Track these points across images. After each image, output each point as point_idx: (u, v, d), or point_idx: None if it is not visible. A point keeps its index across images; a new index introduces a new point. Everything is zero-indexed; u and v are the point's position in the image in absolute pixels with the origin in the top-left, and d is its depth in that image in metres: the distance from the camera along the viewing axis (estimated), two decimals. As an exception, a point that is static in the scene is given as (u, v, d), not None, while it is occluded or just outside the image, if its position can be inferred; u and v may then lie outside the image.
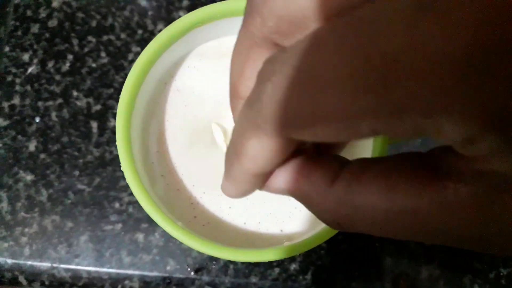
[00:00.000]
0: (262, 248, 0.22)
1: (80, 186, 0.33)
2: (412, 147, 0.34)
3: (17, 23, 0.36)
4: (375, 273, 0.32)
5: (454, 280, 0.32)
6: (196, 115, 0.24)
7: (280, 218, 0.23)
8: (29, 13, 0.36)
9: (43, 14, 0.36)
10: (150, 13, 0.36)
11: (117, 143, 0.21)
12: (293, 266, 0.32)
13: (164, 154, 0.24)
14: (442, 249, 0.32)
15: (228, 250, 0.20)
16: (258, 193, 0.23)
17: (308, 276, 0.32)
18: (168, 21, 0.36)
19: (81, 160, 0.33)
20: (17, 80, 0.35)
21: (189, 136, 0.24)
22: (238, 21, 0.24)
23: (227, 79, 0.24)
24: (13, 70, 0.35)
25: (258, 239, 0.23)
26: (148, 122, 0.24)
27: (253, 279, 0.32)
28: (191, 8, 0.36)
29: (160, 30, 0.36)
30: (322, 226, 0.22)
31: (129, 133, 0.21)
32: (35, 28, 0.36)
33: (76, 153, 0.34)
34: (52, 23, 0.36)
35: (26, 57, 0.35)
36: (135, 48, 0.36)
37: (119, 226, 0.32)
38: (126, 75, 0.35)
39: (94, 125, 0.34)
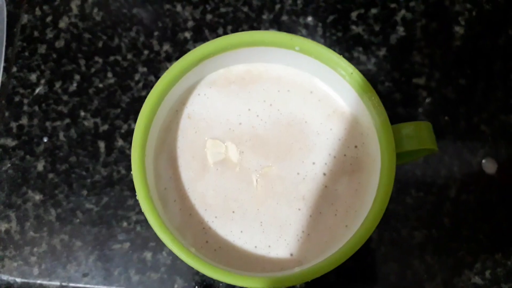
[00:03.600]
0: (273, 273, 0.23)
1: (88, 206, 0.34)
2: (416, 165, 0.34)
3: (24, 44, 0.37)
4: (380, 290, 0.33)
5: (456, 296, 0.33)
6: (206, 141, 0.25)
7: (290, 242, 0.24)
8: (36, 33, 0.37)
9: (50, 34, 0.37)
10: (156, 33, 0.37)
11: (132, 172, 0.22)
12: (299, 284, 0.32)
13: (177, 180, 0.24)
14: (444, 266, 0.33)
15: (243, 278, 0.21)
16: (269, 215, 0.24)
17: (314, 293, 0.32)
18: (174, 42, 0.37)
19: (89, 180, 0.34)
20: (25, 101, 0.36)
21: (200, 162, 0.24)
22: (245, 52, 0.24)
23: (236, 105, 0.25)
24: (21, 90, 0.36)
25: (268, 263, 0.23)
26: (160, 148, 0.24)
27: (260, 297, 0.32)
28: (196, 29, 0.37)
29: (166, 51, 0.36)
30: (331, 250, 0.23)
31: (144, 162, 0.22)
32: (42, 49, 0.37)
33: (84, 173, 0.34)
34: (59, 43, 0.37)
35: (33, 77, 0.36)
36: (141, 69, 0.36)
37: (127, 244, 0.33)
38: (132, 95, 0.36)
39: (102, 145, 0.35)
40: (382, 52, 0.37)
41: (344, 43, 0.37)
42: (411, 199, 0.34)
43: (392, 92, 0.36)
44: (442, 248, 0.33)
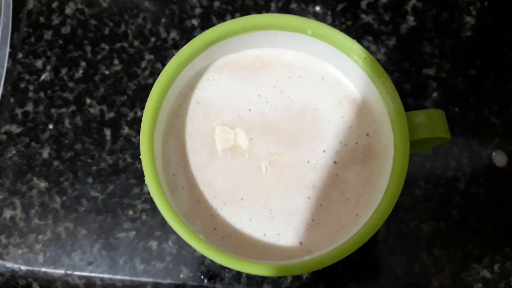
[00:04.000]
0: (281, 261, 0.22)
1: (93, 194, 0.33)
2: (425, 157, 0.34)
3: (30, 30, 0.36)
4: (387, 282, 0.32)
5: (464, 289, 0.32)
6: (215, 127, 0.24)
7: (299, 230, 0.23)
8: (42, 19, 0.36)
9: (56, 21, 0.36)
10: (163, 20, 0.36)
11: (141, 157, 0.21)
12: (305, 275, 0.32)
13: (185, 166, 0.24)
14: (452, 259, 0.33)
15: (252, 265, 0.20)
16: (278, 203, 0.24)
17: (321, 285, 0.32)
18: (181, 29, 0.36)
19: (94, 168, 0.34)
20: (31, 87, 0.35)
21: (209, 148, 0.24)
22: (256, 36, 0.24)
23: (246, 91, 0.25)
24: (27, 76, 0.35)
25: (277, 251, 0.23)
26: (169, 134, 0.24)
27: (266, 287, 0.32)
28: (203, 16, 0.36)
29: (173, 38, 0.36)
30: (340, 240, 0.22)
31: (152, 147, 0.21)
32: (48, 35, 0.36)
33: (89, 161, 0.34)
34: (65, 30, 0.36)
35: (39, 63, 0.36)
36: (148, 56, 0.36)
37: (133, 233, 0.33)
38: (139, 82, 0.35)
39: (108, 132, 0.34)
40: (392, 41, 0.36)
41: (353, 32, 0.36)
42: (420, 191, 0.34)
43: (402, 82, 0.36)
44: (451, 241, 0.33)
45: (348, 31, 0.36)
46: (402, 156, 0.21)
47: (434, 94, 0.35)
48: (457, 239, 0.33)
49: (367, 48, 0.36)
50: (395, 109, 0.22)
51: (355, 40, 0.23)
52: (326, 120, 0.25)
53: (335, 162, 0.24)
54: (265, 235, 0.23)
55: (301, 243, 0.23)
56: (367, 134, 0.24)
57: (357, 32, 0.36)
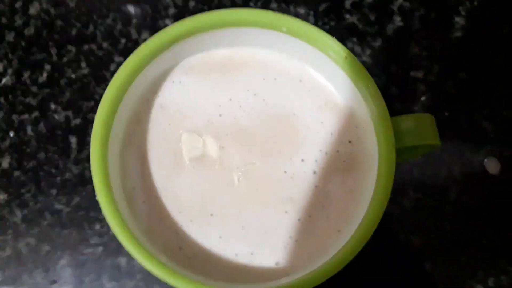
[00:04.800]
0: (254, 284, 0.20)
1: (57, 206, 0.31)
2: (413, 164, 0.32)
3: (-9, 31, 0.34)
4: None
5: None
6: (181, 134, 0.22)
7: (275, 248, 0.21)
8: (3, 20, 0.34)
9: (19, 21, 0.34)
10: (134, 21, 0.34)
11: (91, 168, 0.19)
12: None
13: (147, 178, 0.21)
14: (444, 273, 0.31)
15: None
16: (251, 219, 0.21)
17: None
18: (154, 29, 0.34)
19: (58, 178, 0.31)
20: (-10, 92, 0.33)
21: (174, 158, 0.22)
22: (227, 33, 0.22)
23: (216, 94, 0.23)
24: (-14, 81, 0.33)
25: (250, 273, 0.21)
26: (128, 142, 0.22)
27: (244, 307, 0.30)
28: (178, 16, 0.34)
29: (145, 39, 0.33)
30: (322, 260, 0.20)
31: (104, 157, 0.19)
32: (10, 37, 0.34)
33: (53, 171, 0.31)
34: (29, 31, 0.34)
35: (0, 67, 0.33)
36: (117, 58, 0.33)
37: (100, 249, 0.30)
38: (107, 86, 0.33)
39: (73, 140, 0.32)
40: (378, 43, 0.34)
41: (337, 34, 0.34)
42: (409, 201, 0.32)
43: (388, 86, 0.34)
44: (442, 255, 0.31)
45: (331, 32, 0.34)
46: (387, 165, 0.19)
47: (423, 98, 0.33)
48: (449, 252, 0.31)
49: (351, 50, 0.34)
50: (379, 114, 0.20)
51: (334, 37, 0.20)
52: (304, 126, 0.22)
53: (314, 172, 0.22)
54: (237, 255, 0.21)
55: (277, 263, 0.21)
56: (350, 141, 0.22)
57: (341, 33, 0.34)
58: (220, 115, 0.22)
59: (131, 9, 0.34)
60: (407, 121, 0.21)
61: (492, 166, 0.33)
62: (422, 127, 0.21)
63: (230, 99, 0.22)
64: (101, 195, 0.18)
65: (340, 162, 0.22)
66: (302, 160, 0.22)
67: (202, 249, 0.21)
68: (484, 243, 0.31)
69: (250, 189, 0.22)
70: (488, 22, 0.35)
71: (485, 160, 0.33)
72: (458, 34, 0.35)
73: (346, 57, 0.20)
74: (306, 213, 0.22)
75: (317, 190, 0.22)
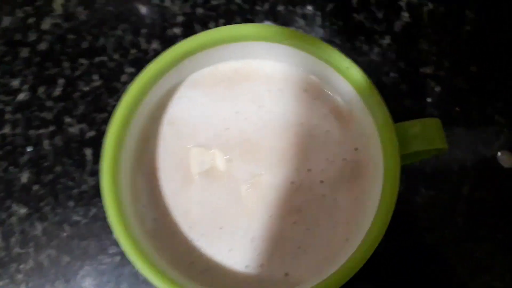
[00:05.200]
0: (266, 295, 0.20)
1: (75, 218, 0.32)
2: (425, 162, 0.32)
3: (6, 48, 0.35)
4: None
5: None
6: (190, 149, 0.22)
7: (284, 259, 0.21)
8: (18, 37, 0.35)
9: (32, 37, 0.35)
10: (143, 31, 0.35)
11: (102, 191, 0.19)
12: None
13: (157, 195, 0.22)
14: (459, 270, 0.31)
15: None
16: (260, 231, 0.22)
17: (319, 305, 0.30)
18: (163, 38, 0.34)
19: (76, 190, 0.32)
20: (7, 108, 0.34)
21: (183, 173, 0.22)
22: (231, 48, 0.22)
23: (223, 107, 0.23)
24: (3, 97, 0.34)
25: (260, 284, 0.21)
26: (139, 161, 0.22)
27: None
28: (186, 24, 0.34)
29: (155, 49, 0.34)
30: (330, 269, 0.20)
31: (115, 177, 0.19)
32: (24, 52, 0.35)
33: (70, 183, 0.32)
34: (42, 46, 0.35)
35: (16, 83, 0.34)
36: (128, 69, 0.34)
37: (118, 258, 0.31)
38: (119, 98, 0.33)
39: (89, 152, 0.33)
40: (386, 40, 0.34)
41: (345, 33, 0.34)
42: (421, 198, 0.32)
43: (398, 83, 0.33)
44: (457, 251, 0.31)
45: (339, 32, 0.34)
46: (392, 173, 0.19)
47: (433, 94, 0.33)
48: (464, 248, 0.31)
49: (360, 48, 0.34)
50: (383, 122, 0.20)
51: (336, 49, 0.20)
52: (310, 135, 0.22)
53: (321, 182, 0.22)
54: (247, 266, 0.21)
55: (286, 274, 0.21)
56: (356, 149, 0.22)
57: (349, 33, 0.34)
58: (227, 129, 0.22)
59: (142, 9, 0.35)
60: (413, 127, 0.21)
61: (505, 159, 0.32)
62: (429, 132, 0.21)
63: (237, 112, 0.23)
64: (112, 217, 0.19)
65: (347, 170, 0.22)
66: (309, 170, 0.22)
67: (213, 263, 0.21)
68: (500, 238, 0.31)
69: (258, 201, 0.22)
70: (499, 15, 0.34)
71: (499, 153, 0.32)
72: (468, 28, 0.34)
73: (348, 68, 0.20)
74: (314, 222, 0.22)
75: (324, 199, 0.22)
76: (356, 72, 0.20)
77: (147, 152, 0.22)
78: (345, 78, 0.21)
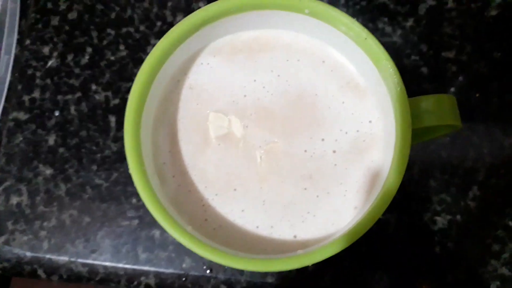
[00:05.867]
0: (274, 255, 0.21)
1: (97, 181, 0.33)
2: (441, 145, 0.32)
3: (38, 16, 0.36)
4: (396, 277, 0.31)
5: (481, 287, 0.31)
6: (208, 114, 0.23)
7: (294, 222, 0.22)
8: (49, 5, 0.36)
9: (63, 6, 0.36)
10: (169, 4, 0.35)
11: (125, 143, 0.20)
12: (311, 267, 0.31)
13: (176, 154, 0.23)
14: (468, 254, 0.31)
15: (240, 260, 0.19)
16: (272, 194, 0.22)
17: (327, 278, 0.31)
18: (188, 12, 0.35)
19: (99, 155, 0.33)
20: (38, 74, 0.35)
21: (202, 136, 0.23)
22: (251, 16, 0.23)
23: (241, 75, 0.24)
24: (34, 63, 0.35)
25: (270, 245, 0.22)
26: (160, 121, 0.23)
27: (270, 279, 0.31)
28: (211, -1, 0.35)
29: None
30: (336, 233, 0.21)
31: (137, 135, 0.20)
32: (55, 21, 0.36)
33: (94, 148, 0.33)
34: (72, 15, 0.36)
35: (46, 50, 0.35)
36: (154, 41, 0.35)
37: (136, 222, 0.32)
38: (144, 68, 0.34)
39: (113, 119, 0.34)
40: (409, 23, 0.34)
41: (368, 13, 0.35)
42: (435, 182, 0.32)
43: (419, 66, 0.34)
44: (467, 235, 0.31)
45: (362, 12, 0.35)
46: (402, 145, 0.20)
47: (454, 79, 0.33)
48: (474, 233, 0.31)
49: (382, 30, 0.34)
50: (397, 94, 0.20)
51: (354, 19, 0.21)
52: (326, 106, 0.23)
53: (334, 152, 0.23)
54: (257, 227, 0.22)
55: (295, 236, 0.22)
56: (370, 121, 0.23)
57: (372, 13, 0.34)
58: (245, 96, 0.23)
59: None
60: (427, 102, 0.21)
61: (524, 148, 0.32)
62: (442, 108, 0.21)
63: (255, 80, 0.23)
64: (133, 169, 0.20)
65: (360, 142, 0.23)
66: (323, 140, 0.23)
67: (226, 221, 0.22)
68: (510, 225, 0.31)
69: (272, 167, 0.23)
70: (525, 1, 0.34)
71: (517, 141, 0.32)
72: (493, 12, 0.34)
73: (366, 38, 0.21)
74: (324, 190, 0.22)
75: (336, 168, 0.23)
76: (373, 43, 0.21)
77: (168, 114, 0.23)
78: (363, 48, 0.21)
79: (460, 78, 0.33)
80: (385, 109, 0.22)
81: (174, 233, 0.20)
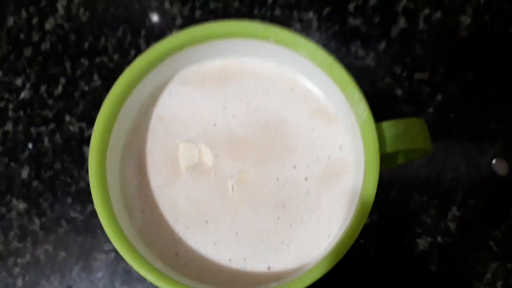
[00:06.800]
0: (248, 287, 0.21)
1: (73, 214, 0.32)
2: (419, 167, 0.32)
3: (10, 47, 0.36)
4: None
5: None
6: (178, 144, 0.23)
7: (267, 254, 0.22)
8: (22, 36, 0.36)
9: (36, 37, 0.36)
10: (143, 33, 0.35)
11: (89, 176, 0.20)
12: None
13: (145, 187, 0.22)
14: (450, 276, 0.30)
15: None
16: (245, 225, 0.22)
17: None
18: (162, 41, 0.35)
19: (74, 187, 0.33)
20: (10, 106, 0.34)
21: (171, 167, 0.23)
22: (221, 44, 0.23)
23: (211, 104, 0.23)
24: (6, 95, 0.35)
25: (243, 278, 0.21)
26: (127, 152, 0.23)
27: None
28: (184, 26, 0.35)
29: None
30: (311, 264, 0.20)
31: (103, 166, 0.20)
32: (28, 52, 0.35)
33: (69, 180, 0.33)
34: (45, 46, 0.36)
35: (19, 81, 0.35)
36: (128, 70, 0.35)
37: (113, 255, 0.31)
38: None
39: (87, 150, 0.33)
40: (382, 45, 0.34)
41: (341, 37, 0.35)
42: (414, 203, 0.32)
43: (393, 88, 0.34)
44: (448, 257, 0.31)
45: (335, 36, 0.35)
46: (371, 170, 0.20)
47: (428, 100, 0.33)
48: (456, 254, 0.31)
49: (355, 53, 0.34)
50: (364, 120, 0.20)
51: (319, 46, 0.21)
52: (296, 133, 0.23)
53: (306, 179, 0.22)
54: (230, 260, 0.22)
55: (269, 268, 0.22)
56: (340, 147, 0.23)
57: (344, 37, 0.35)
58: (215, 125, 0.23)
59: (142, 12, 0.35)
60: (396, 126, 0.21)
61: (500, 167, 0.32)
62: (411, 132, 0.21)
63: (224, 109, 0.23)
64: (98, 204, 0.20)
65: (331, 168, 0.22)
66: (294, 167, 0.23)
67: (197, 255, 0.22)
68: (492, 245, 0.31)
69: (244, 196, 0.22)
70: (495, 20, 0.35)
71: (493, 161, 0.32)
72: (464, 33, 0.35)
73: (331, 65, 0.21)
74: (298, 218, 0.22)
75: (308, 196, 0.22)
76: (338, 70, 0.21)
77: (136, 145, 0.23)
78: (329, 75, 0.21)
79: (435, 98, 0.33)
80: (354, 134, 0.22)
81: (141, 269, 0.19)
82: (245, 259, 0.22)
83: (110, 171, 0.21)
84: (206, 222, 0.22)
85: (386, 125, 0.21)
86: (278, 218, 0.22)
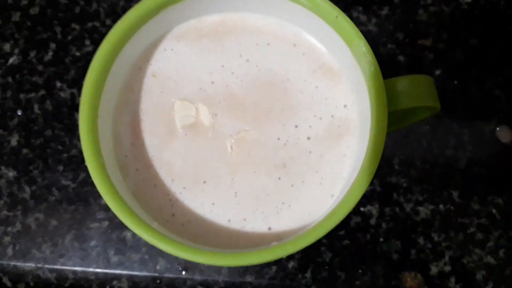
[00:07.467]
0: (247, 249, 0.20)
1: (64, 182, 0.31)
2: (421, 134, 0.31)
3: (-2, 12, 0.34)
4: (380, 270, 0.30)
5: (466, 277, 0.30)
6: (174, 103, 0.22)
7: (268, 214, 0.21)
8: (9, 0, 0.34)
9: (24, 1, 0.34)
10: (136, -4, 0.34)
11: (80, 133, 0.19)
12: (291, 264, 0.30)
13: (140, 147, 0.21)
14: (452, 244, 0.30)
15: (206, 254, 0.18)
16: (244, 186, 0.21)
17: (308, 274, 0.30)
18: (156, 4, 0.34)
19: (65, 155, 0.32)
20: (-2, 72, 0.33)
21: (167, 126, 0.22)
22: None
23: (208, 61, 0.22)
24: (-6, 61, 0.33)
25: (243, 238, 0.20)
26: (121, 111, 0.22)
27: (249, 278, 0.30)
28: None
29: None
30: (313, 224, 0.20)
31: (94, 123, 0.19)
32: (16, 16, 0.34)
33: (60, 147, 0.32)
34: (34, 10, 0.34)
35: (7, 47, 0.34)
36: (121, 35, 0.33)
37: (106, 223, 0.31)
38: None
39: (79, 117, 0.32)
40: (385, 11, 0.33)
41: (342, 2, 0.34)
42: (416, 171, 0.31)
43: (396, 55, 0.33)
44: (450, 225, 0.30)
45: (336, 1, 0.33)
46: (379, 127, 0.19)
47: (431, 66, 0.32)
48: (458, 222, 0.30)
49: (357, 19, 0.33)
50: (371, 74, 0.19)
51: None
52: (298, 91, 0.22)
53: (308, 138, 0.22)
54: (229, 220, 0.21)
55: (269, 228, 0.21)
56: (345, 106, 0.22)
57: (345, 2, 0.34)
58: (213, 82, 0.22)
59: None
60: (403, 82, 0.20)
61: (504, 135, 0.32)
62: (419, 89, 0.20)
63: (223, 66, 0.22)
64: (89, 160, 0.19)
65: (335, 127, 0.22)
66: (296, 126, 0.22)
67: (195, 216, 0.21)
68: (494, 213, 0.30)
69: (243, 156, 0.21)
70: (500, -14, 0.34)
71: (497, 129, 0.32)
72: (468, -1, 0.34)
73: (337, 17, 0.20)
74: (300, 178, 0.21)
75: (310, 156, 0.21)
76: (345, 22, 0.20)
77: (131, 103, 0.22)
78: (334, 28, 0.20)
79: (438, 65, 0.32)
80: (360, 92, 0.21)
81: (136, 228, 0.18)
82: (244, 219, 0.21)
83: (102, 129, 0.20)
84: (204, 182, 0.21)
85: (393, 81, 0.20)
86: (279, 179, 0.21)
